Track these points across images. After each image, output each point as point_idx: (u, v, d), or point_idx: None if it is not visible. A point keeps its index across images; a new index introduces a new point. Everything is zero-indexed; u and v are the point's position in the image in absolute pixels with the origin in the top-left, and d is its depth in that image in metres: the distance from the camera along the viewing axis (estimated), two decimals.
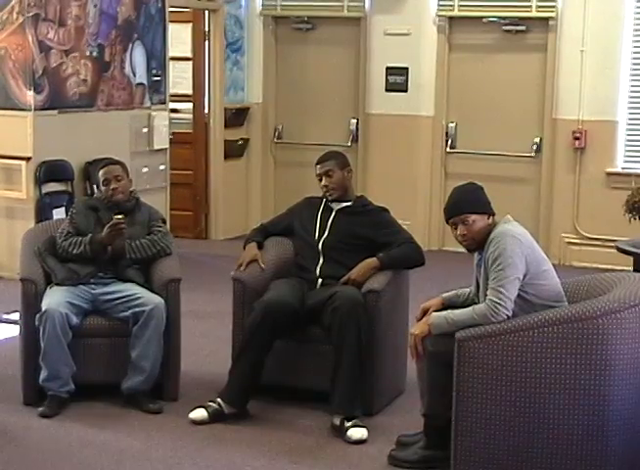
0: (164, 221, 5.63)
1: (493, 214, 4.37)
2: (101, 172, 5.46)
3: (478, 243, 4.34)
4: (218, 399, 4.95)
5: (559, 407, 4.03)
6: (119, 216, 5.21)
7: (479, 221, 4.32)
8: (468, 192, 4.45)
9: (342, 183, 5.32)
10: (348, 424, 4.78)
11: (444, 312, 4.32)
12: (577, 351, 3.99)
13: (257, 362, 4.96)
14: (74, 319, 5.05)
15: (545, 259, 4.33)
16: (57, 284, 5.20)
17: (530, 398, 4.04)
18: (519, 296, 4.17)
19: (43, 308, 5.01)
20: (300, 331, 5.06)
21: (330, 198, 5.33)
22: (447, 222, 4.44)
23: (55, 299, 5.07)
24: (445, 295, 4.62)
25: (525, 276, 4.18)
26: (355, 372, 4.86)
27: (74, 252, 5.26)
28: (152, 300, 5.09)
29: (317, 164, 5.38)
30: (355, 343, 4.85)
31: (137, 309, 5.04)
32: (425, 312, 4.50)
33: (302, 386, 5.17)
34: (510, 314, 4.11)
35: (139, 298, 5.09)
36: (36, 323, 5.02)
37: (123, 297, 5.13)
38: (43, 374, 5.03)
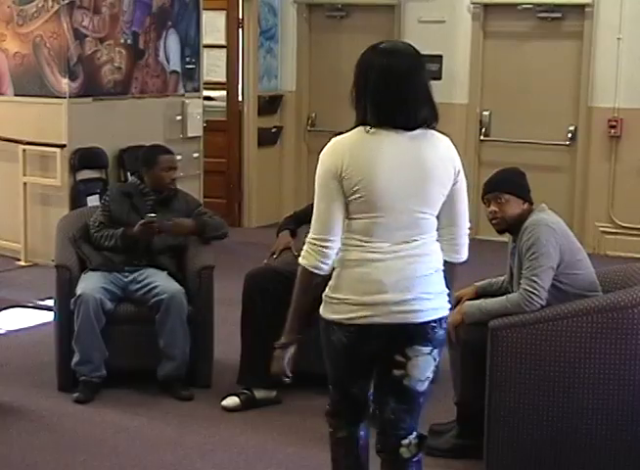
0: (201, 205, 5.65)
1: (530, 203, 4.35)
2: (163, 158, 5.40)
3: (507, 224, 4.34)
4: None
5: (591, 397, 4.02)
6: (152, 215, 5.22)
7: (512, 203, 4.31)
8: (509, 173, 4.47)
9: None
10: None
11: (477, 301, 4.31)
12: (611, 340, 3.97)
13: (260, 335, 4.91)
14: (108, 304, 5.08)
15: (580, 249, 4.31)
16: (92, 270, 5.23)
17: (563, 387, 4.03)
18: (553, 285, 4.15)
19: (78, 293, 5.04)
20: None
21: None
22: (482, 199, 4.45)
23: (90, 284, 5.10)
24: (479, 284, 4.61)
25: (559, 266, 4.16)
26: None
27: (106, 244, 5.28)
28: (169, 288, 5.10)
29: None
30: None
31: (157, 298, 5.07)
32: (458, 301, 4.49)
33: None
34: (543, 304, 4.09)
35: (157, 286, 5.11)
36: (71, 307, 5.05)
37: (147, 285, 5.17)
38: (75, 358, 5.07)
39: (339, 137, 3.24)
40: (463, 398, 4.42)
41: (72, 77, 7.75)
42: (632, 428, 4.03)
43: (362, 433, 3.46)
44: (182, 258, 5.36)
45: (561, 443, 4.07)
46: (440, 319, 3.22)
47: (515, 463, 4.14)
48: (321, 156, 3.23)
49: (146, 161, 5.42)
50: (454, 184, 3.28)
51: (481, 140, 9.43)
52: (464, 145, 9.45)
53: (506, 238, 4.56)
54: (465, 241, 3.37)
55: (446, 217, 3.30)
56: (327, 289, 3.23)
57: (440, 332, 3.23)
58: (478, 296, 4.47)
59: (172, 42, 8.66)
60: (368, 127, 3.18)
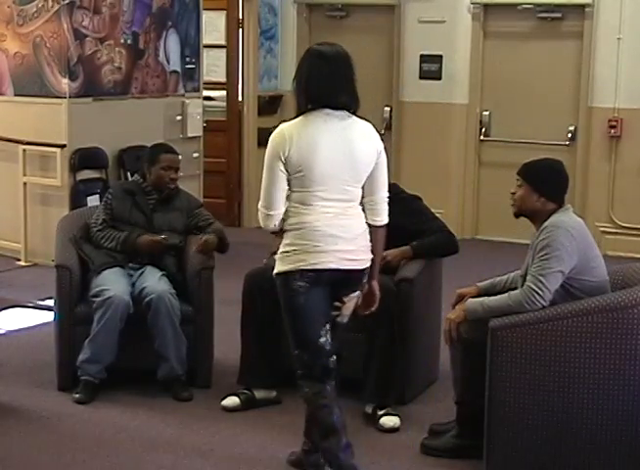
0: (202, 206, 5.65)
1: (550, 200, 4.26)
2: (164, 157, 5.40)
3: (518, 210, 4.34)
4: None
5: (591, 397, 4.01)
6: (164, 237, 5.24)
7: (526, 192, 4.29)
8: (542, 164, 4.41)
9: None
10: (381, 412, 4.79)
11: (480, 298, 4.30)
12: (611, 340, 3.97)
13: (260, 335, 4.97)
14: (132, 309, 5.07)
15: (596, 256, 4.25)
16: (94, 270, 5.21)
17: (563, 387, 4.03)
18: (563, 287, 4.11)
19: (108, 294, 5.00)
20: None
21: None
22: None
23: (120, 286, 5.08)
24: (481, 284, 4.60)
25: (571, 269, 4.12)
26: (387, 360, 4.86)
27: (106, 244, 5.27)
28: (156, 288, 5.08)
29: None
30: (387, 331, 4.85)
31: (146, 299, 5.06)
32: (461, 298, 4.48)
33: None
34: (546, 305, 4.06)
35: (146, 287, 5.10)
36: (94, 306, 5.02)
37: (139, 286, 5.16)
38: (84, 356, 5.05)
39: (285, 124, 3.93)
40: (463, 397, 4.42)
41: (72, 77, 7.75)
42: (632, 428, 4.03)
43: (334, 391, 3.98)
44: (182, 258, 5.36)
45: (561, 443, 4.07)
46: (367, 268, 3.99)
47: (515, 463, 4.14)
48: (270, 140, 3.91)
49: (148, 158, 5.42)
50: (376, 162, 3.97)
51: (481, 140, 9.43)
52: (464, 145, 9.47)
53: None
54: (384, 207, 4.05)
55: (369, 188, 3.99)
56: (282, 248, 3.91)
57: (365, 278, 4.02)
58: (480, 296, 4.46)
59: (172, 42, 8.66)
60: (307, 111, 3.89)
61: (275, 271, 3.93)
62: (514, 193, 4.35)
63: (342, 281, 3.93)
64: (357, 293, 4.03)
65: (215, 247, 5.26)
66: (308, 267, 3.84)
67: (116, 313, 4.99)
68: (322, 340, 3.91)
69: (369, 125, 4.01)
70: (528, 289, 4.08)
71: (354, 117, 3.95)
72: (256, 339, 5.00)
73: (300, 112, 3.92)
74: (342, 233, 3.86)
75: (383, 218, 4.05)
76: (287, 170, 3.86)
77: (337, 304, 3.98)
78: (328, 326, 3.94)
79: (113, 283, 5.09)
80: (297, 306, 3.88)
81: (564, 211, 4.27)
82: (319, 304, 3.90)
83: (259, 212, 3.95)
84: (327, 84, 3.90)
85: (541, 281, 4.07)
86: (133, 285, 5.19)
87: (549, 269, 4.07)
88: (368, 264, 3.98)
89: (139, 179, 5.47)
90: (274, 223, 3.92)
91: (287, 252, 3.88)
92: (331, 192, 3.87)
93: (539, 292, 4.06)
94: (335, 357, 3.97)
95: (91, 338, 5.03)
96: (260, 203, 3.94)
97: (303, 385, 3.95)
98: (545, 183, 4.29)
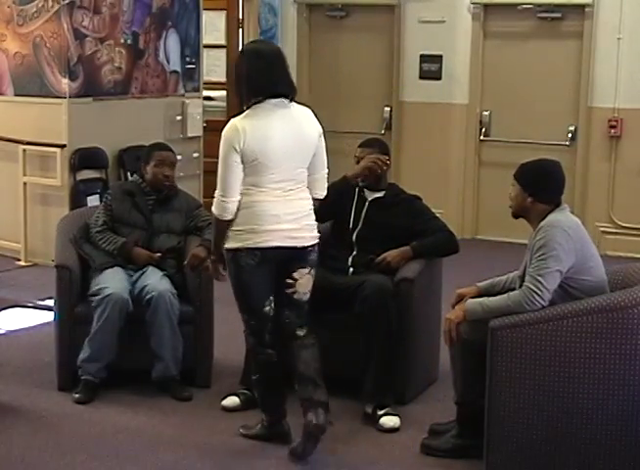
0: (201, 206, 5.64)
1: (539, 200, 4.26)
2: (157, 154, 5.39)
3: (514, 210, 4.36)
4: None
5: (591, 397, 4.01)
6: (159, 254, 5.24)
7: (517, 192, 4.31)
8: (535, 165, 4.40)
9: (377, 174, 5.29)
10: (381, 412, 4.78)
11: (480, 299, 4.30)
12: (611, 340, 3.97)
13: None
14: (131, 307, 5.07)
15: (593, 255, 4.23)
16: (95, 270, 5.21)
17: (563, 387, 4.03)
18: (561, 287, 4.11)
19: (107, 292, 5.00)
20: (331, 319, 5.07)
21: (360, 184, 5.29)
22: None
23: (118, 283, 5.09)
24: (481, 284, 4.59)
25: (569, 269, 4.11)
26: (387, 360, 4.86)
27: (103, 246, 5.27)
28: (157, 287, 5.08)
29: (360, 146, 5.35)
30: (386, 331, 4.85)
31: (147, 297, 5.06)
32: (460, 298, 4.48)
33: (334, 374, 5.16)
34: (545, 304, 4.06)
35: (147, 285, 5.10)
36: (93, 304, 5.03)
37: (140, 285, 5.16)
38: (84, 354, 5.05)
39: (236, 119, 4.32)
40: (463, 397, 4.42)
41: (72, 77, 7.75)
42: (632, 428, 4.03)
43: (276, 352, 4.45)
44: (182, 259, 5.36)
45: (561, 443, 4.07)
46: (314, 245, 4.41)
47: (515, 463, 4.14)
48: (223, 134, 4.29)
49: (144, 158, 5.43)
50: (317, 144, 4.42)
51: (481, 140, 9.43)
52: (464, 145, 9.47)
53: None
54: (325, 182, 4.51)
55: (313, 167, 4.43)
56: (233, 226, 4.28)
57: (314, 255, 4.42)
58: (480, 296, 4.46)
59: (172, 42, 8.67)
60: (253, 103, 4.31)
61: (225, 247, 4.33)
62: (510, 194, 4.38)
63: (288, 258, 4.35)
64: (307, 269, 4.41)
65: (206, 256, 5.14)
66: (254, 246, 4.27)
67: (115, 311, 4.99)
68: (266, 308, 4.39)
69: (309, 110, 4.49)
70: (527, 289, 4.08)
71: (294, 104, 4.41)
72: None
73: (247, 106, 4.33)
74: (286, 214, 4.29)
75: (325, 192, 4.53)
76: (242, 161, 4.25)
77: (288, 281, 4.39)
78: (272, 298, 4.38)
79: (111, 281, 5.09)
80: (244, 282, 4.33)
81: (560, 211, 4.27)
82: (264, 279, 4.34)
83: (216, 201, 4.30)
84: (267, 77, 4.31)
85: (540, 281, 4.06)
86: (134, 284, 5.19)
87: (547, 269, 4.07)
88: (313, 242, 4.40)
89: (138, 179, 5.47)
90: (230, 211, 4.28)
91: (237, 230, 4.29)
92: (283, 175, 4.30)
93: (538, 292, 4.06)
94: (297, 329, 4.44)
95: (90, 336, 5.04)
96: (217, 192, 4.30)
97: (250, 341, 4.50)
98: (534, 184, 4.29)
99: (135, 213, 5.32)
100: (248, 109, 4.33)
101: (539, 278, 4.07)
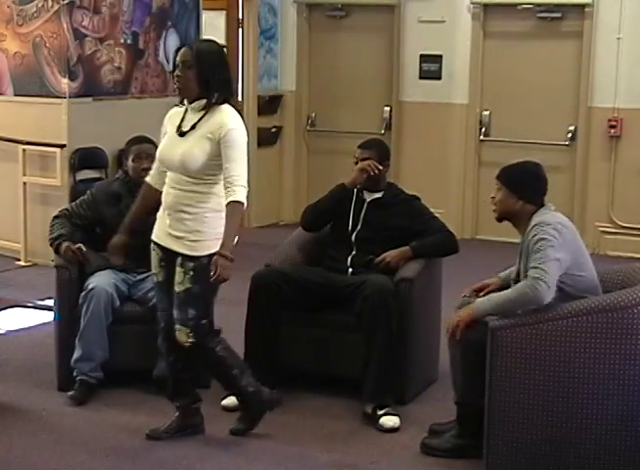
0: None
1: (529, 202, 4.29)
2: (134, 148, 5.32)
3: (499, 213, 4.38)
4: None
5: (591, 397, 4.02)
6: (79, 246, 5.08)
7: (504, 195, 4.33)
8: (519, 166, 4.44)
9: (376, 175, 5.28)
10: (381, 412, 4.78)
11: (485, 296, 4.31)
12: (611, 340, 3.97)
13: (265, 336, 4.99)
14: (117, 302, 5.08)
15: (584, 251, 4.27)
16: (91, 272, 5.20)
17: (563, 387, 4.03)
18: (557, 286, 4.11)
19: (90, 286, 5.03)
20: (331, 319, 5.07)
21: (358, 186, 5.29)
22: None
23: (103, 279, 5.09)
24: (502, 274, 4.59)
25: (564, 262, 4.13)
26: (387, 360, 4.86)
27: (49, 231, 5.21)
28: None
29: (359, 147, 5.34)
30: (386, 331, 4.85)
31: (153, 300, 5.02)
32: (482, 289, 4.51)
33: (334, 373, 5.17)
34: (550, 287, 4.02)
35: (150, 289, 5.07)
36: (80, 301, 5.04)
37: (147, 286, 5.14)
38: (76, 354, 5.05)
39: (238, 116, 4.57)
40: (463, 397, 4.42)
41: (72, 77, 7.75)
42: (632, 428, 4.03)
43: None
44: None
45: (561, 443, 4.07)
46: None
47: (515, 463, 4.14)
48: (238, 126, 4.52)
49: (125, 153, 5.40)
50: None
51: (481, 140, 9.43)
52: (464, 145, 9.47)
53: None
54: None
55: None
56: (217, 228, 4.37)
57: None
58: (502, 287, 4.45)
59: (172, 42, 8.66)
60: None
61: (208, 252, 4.34)
62: (494, 197, 4.38)
63: None
64: None
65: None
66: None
67: (99, 305, 4.99)
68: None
69: None
70: (531, 278, 4.05)
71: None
72: (261, 339, 4.99)
73: (226, 101, 4.53)
74: None
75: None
76: None
77: None
78: None
79: (98, 277, 5.11)
80: (217, 286, 4.44)
81: (547, 210, 4.31)
82: None
83: (243, 191, 4.34)
84: (231, 77, 4.58)
85: (542, 269, 4.04)
86: (134, 286, 5.20)
87: (547, 258, 4.07)
88: None
89: (125, 177, 5.39)
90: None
91: (217, 233, 4.37)
92: None
93: (541, 277, 4.02)
94: None
95: (79, 334, 5.04)
96: (241, 182, 4.35)
97: (211, 343, 4.53)
98: (523, 186, 4.32)
99: (119, 220, 5.18)
100: (220, 105, 4.50)
101: (541, 266, 4.05)
